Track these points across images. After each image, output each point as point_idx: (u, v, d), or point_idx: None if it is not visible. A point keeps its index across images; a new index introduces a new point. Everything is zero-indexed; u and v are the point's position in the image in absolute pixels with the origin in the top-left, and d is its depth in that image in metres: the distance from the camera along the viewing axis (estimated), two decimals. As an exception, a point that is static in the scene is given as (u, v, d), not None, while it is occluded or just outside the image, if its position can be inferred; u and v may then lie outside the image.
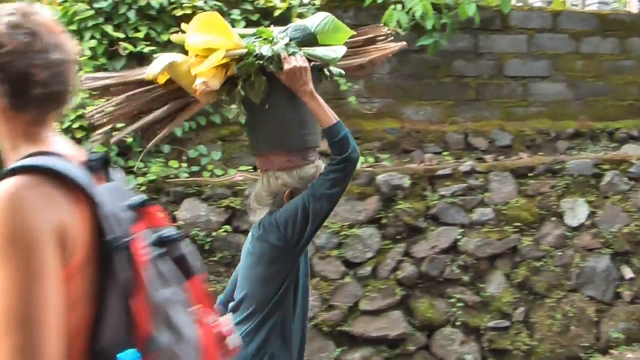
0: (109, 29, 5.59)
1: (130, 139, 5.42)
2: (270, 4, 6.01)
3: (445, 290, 5.81)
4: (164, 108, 2.74)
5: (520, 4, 7.89)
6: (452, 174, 5.99)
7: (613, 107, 7.39)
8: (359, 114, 6.40)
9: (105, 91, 2.78)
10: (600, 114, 7.31)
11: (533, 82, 7.15)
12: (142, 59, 5.65)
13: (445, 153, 6.49)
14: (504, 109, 6.99)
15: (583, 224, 6.24)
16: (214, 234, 5.42)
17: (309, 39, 2.76)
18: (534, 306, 6.01)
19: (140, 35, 5.66)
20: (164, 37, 5.70)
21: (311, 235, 2.64)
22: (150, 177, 5.42)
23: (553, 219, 6.17)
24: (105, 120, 2.70)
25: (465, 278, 5.84)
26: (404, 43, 3.13)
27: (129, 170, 5.50)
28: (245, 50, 2.64)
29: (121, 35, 5.62)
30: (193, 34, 2.64)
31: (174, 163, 5.63)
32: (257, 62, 2.62)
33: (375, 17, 6.10)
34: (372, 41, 3.06)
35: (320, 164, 2.80)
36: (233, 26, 5.68)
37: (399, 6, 6.32)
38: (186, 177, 5.58)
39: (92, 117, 2.71)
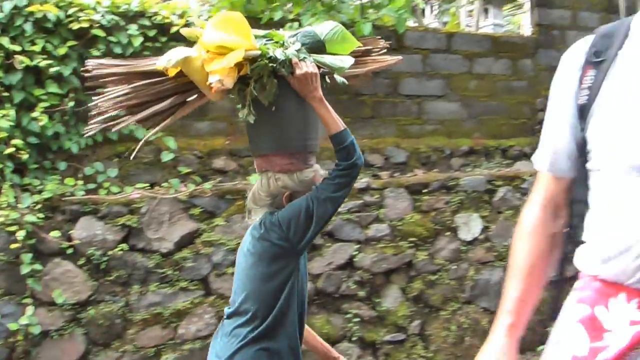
0: (4, 41, 5.44)
1: (25, 155, 5.32)
2: (168, 20, 5.98)
3: (342, 306, 5.86)
4: (168, 101, 2.75)
5: (416, 24, 8.04)
6: (348, 191, 6.04)
7: (506, 126, 7.60)
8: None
9: (108, 79, 2.75)
10: (494, 132, 7.51)
11: (428, 101, 7.26)
12: (38, 73, 5.56)
13: (342, 170, 6.50)
14: (399, 126, 7.09)
15: (477, 238, 6.41)
16: (110, 253, 5.34)
17: (317, 46, 2.83)
18: (430, 319, 6.13)
19: (37, 48, 5.52)
20: (61, 51, 5.59)
21: (313, 236, 2.71)
22: (46, 195, 5.30)
23: (447, 233, 6.32)
24: (106, 108, 2.70)
25: (362, 293, 5.92)
26: (400, 57, 3.22)
27: (24, 188, 5.39)
28: (259, 52, 2.68)
29: (17, 48, 5.47)
30: (211, 30, 2.67)
31: (70, 180, 5.51)
32: (270, 64, 2.67)
33: (274, 35, 6.10)
34: (369, 53, 3.14)
35: (319, 169, 2.88)
36: (130, 43, 5.80)
37: (296, 24, 6.35)
38: (82, 195, 5.46)
39: (95, 105, 2.70)
